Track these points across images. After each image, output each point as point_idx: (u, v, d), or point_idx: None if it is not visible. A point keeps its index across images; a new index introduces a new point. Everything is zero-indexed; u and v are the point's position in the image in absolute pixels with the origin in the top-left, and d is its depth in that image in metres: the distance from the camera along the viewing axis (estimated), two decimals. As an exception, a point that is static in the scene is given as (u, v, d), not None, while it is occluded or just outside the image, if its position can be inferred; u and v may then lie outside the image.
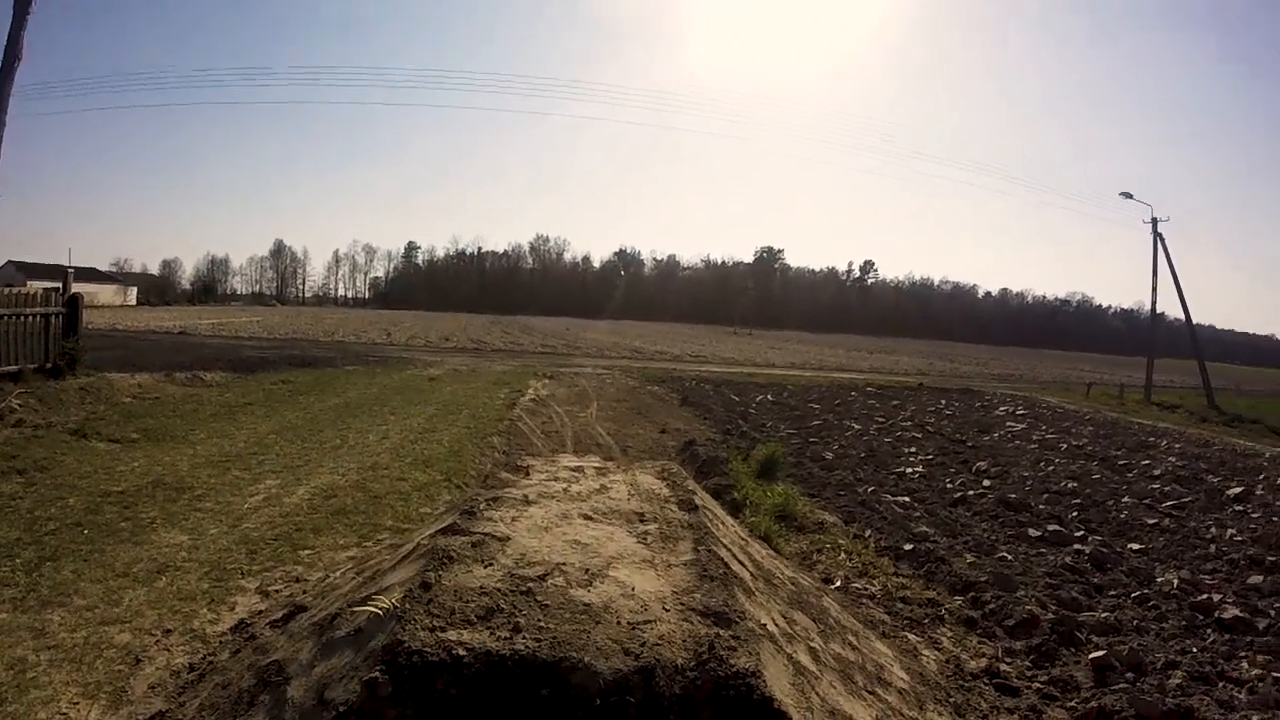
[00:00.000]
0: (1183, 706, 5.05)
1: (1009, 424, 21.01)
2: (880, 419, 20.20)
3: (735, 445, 14.50)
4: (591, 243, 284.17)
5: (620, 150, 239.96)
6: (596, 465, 6.21)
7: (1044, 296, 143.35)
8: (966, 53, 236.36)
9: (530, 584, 3.46)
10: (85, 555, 6.56)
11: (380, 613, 3.41)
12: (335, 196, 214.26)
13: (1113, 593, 7.57)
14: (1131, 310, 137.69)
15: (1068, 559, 8.55)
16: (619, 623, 3.20)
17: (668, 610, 3.35)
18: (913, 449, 15.86)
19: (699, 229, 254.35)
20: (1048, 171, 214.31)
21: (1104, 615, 6.88)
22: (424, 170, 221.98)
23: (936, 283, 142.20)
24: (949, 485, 12.38)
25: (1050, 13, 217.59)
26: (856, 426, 18.37)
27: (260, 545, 7.12)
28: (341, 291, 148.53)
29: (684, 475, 5.99)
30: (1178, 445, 19.65)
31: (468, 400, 17.94)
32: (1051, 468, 14.64)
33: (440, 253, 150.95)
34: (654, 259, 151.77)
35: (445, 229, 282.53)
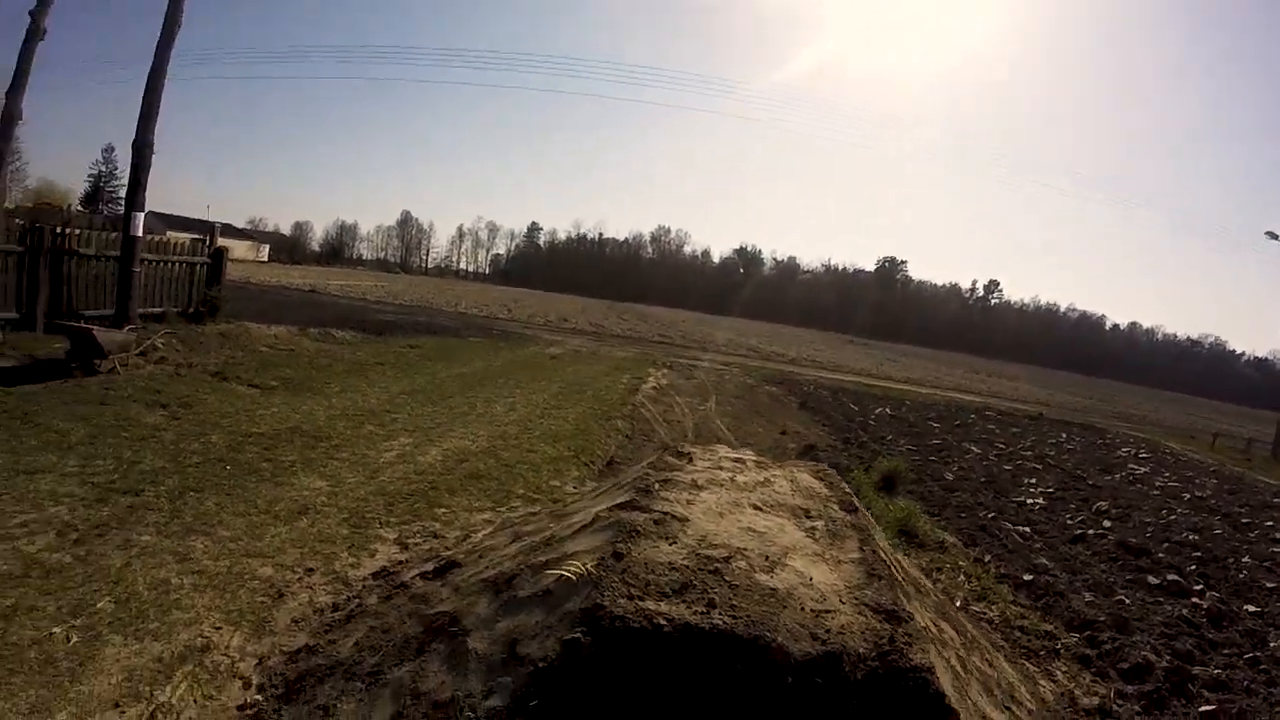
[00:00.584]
0: None
1: (1131, 466, 20.32)
2: (1000, 445, 20.06)
3: (855, 455, 14.71)
4: (712, 237, 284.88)
5: (745, 147, 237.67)
6: (755, 459, 6.61)
7: (1174, 335, 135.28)
8: (1115, 71, 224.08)
9: (717, 564, 3.78)
10: (228, 490, 6.79)
11: (573, 577, 3.61)
12: (464, 174, 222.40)
13: (1226, 651, 7.53)
14: (1266, 359, 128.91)
15: (1184, 611, 8.49)
16: (802, 609, 3.50)
17: (844, 602, 3.65)
18: (1033, 479, 15.72)
19: (820, 232, 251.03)
20: (1194, 203, 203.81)
21: (1216, 671, 6.90)
22: (552, 154, 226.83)
23: (1063, 309, 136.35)
24: (1069, 521, 12.32)
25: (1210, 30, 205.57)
26: (976, 450, 18.34)
27: (397, 499, 7.40)
28: (463, 265, 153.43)
29: (839, 478, 6.49)
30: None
31: (590, 382, 18.51)
32: (1173, 516, 14.25)
33: (561, 235, 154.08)
34: (774, 259, 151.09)
35: (568, 213, 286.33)
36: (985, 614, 7.57)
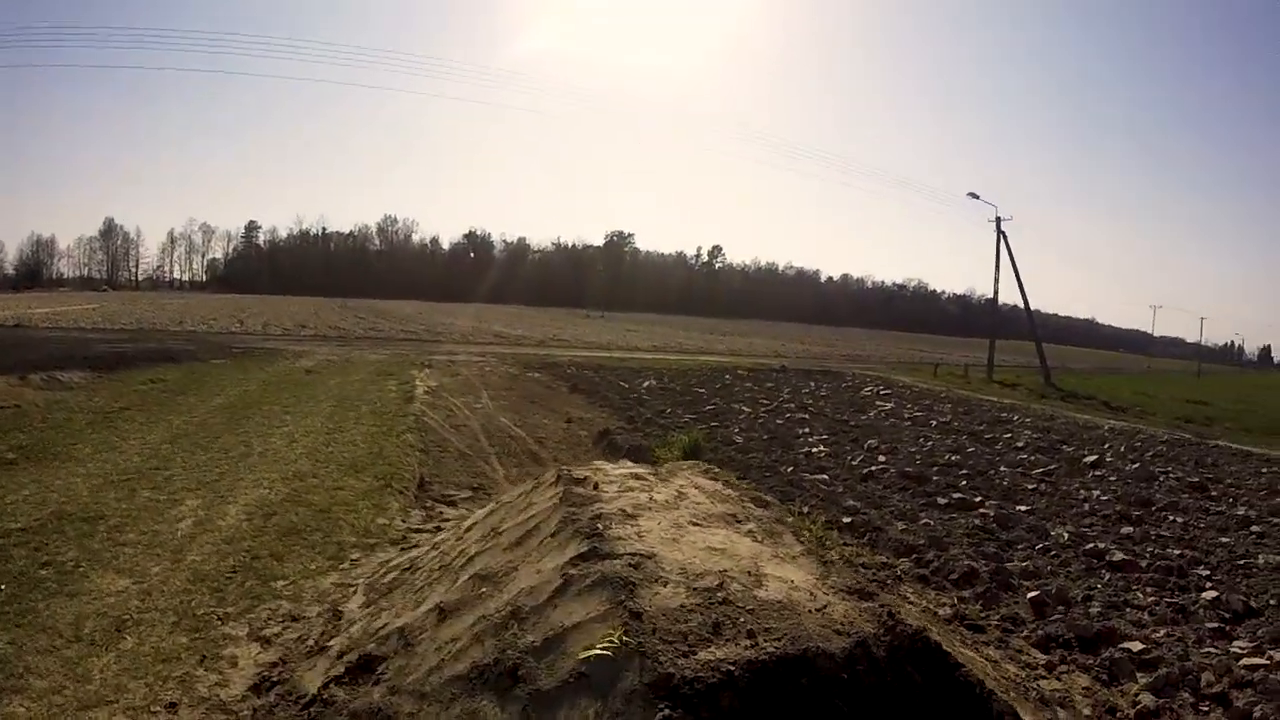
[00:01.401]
0: (1107, 628, 6.65)
1: (879, 403, 23.42)
2: (764, 401, 21.70)
3: (647, 432, 15.19)
4: (441, 224, 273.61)
5: (469, 130, 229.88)
6: (645, 470, 6.51)
7: (883, 281, 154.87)
8: (820, 48, 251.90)
9: (718, 593, 3.74)
10: (15, 619, 5.34)
11: (609, 652, 3.32)
12: (173, 172, 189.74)
13: (1021, 547, 9.25)
14: (964, 295, 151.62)
15: (976, 521, 10.21)
16: (809, 610, 3.68)
17: (827, 594, 3.94)
18: (806, 429, 17.36)
19: (549, 212, 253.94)
20: (891, 163, 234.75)
21: (1023, 564, 8.50)
22: (265, 145, 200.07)
23: (781, 267, 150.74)
24: (854, 462, 13.84)
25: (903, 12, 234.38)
26: (746, 410, 19.68)
27: (221, 581, 6.37)
28: (178, 274, 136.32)
29: (727, 473, 6.85)
30: (1028, 420, 22.85)
31: (358, 394, 17.51)
32: (930, 443, 16.73)
33: (283, 233, 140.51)
34: (504, 241, 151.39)
35: (288, 208, 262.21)
36: (830, 558, 8.21)
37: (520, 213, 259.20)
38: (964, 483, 12.76)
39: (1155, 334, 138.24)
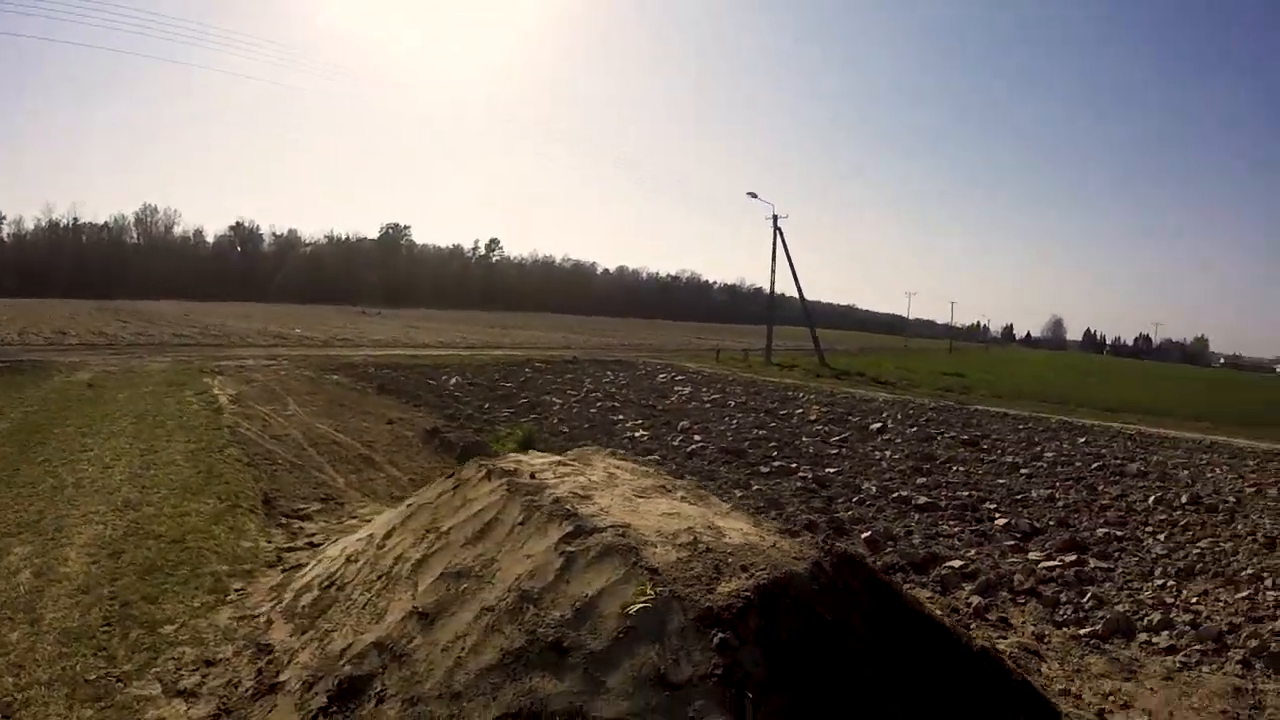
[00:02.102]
0: (930, 553, 8.48)
1: (677, 389, 25.15)
2: (571, 392, 22.42)
3: (471, 428, 15.18)
4: (207, 214, 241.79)
5: (238, 109, 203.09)
6: (557, 459, 6.63)
7: (657, 273, 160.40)
8: (606, 42, 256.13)
9: (698, 546, 4.22)
10: None
11: (649, 604, 3.70)
12: None
13: (841, 500, 11.09)
14: (734, 285, 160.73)
15: (799, 484, 11.94)
16: (769, 548, 4.33)
17: (772, 536, 4.63)
18: (620, 416, 18.37)
19: (322, 202, 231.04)
20: (667, 160, 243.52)
21: (849, 514, 10.27)
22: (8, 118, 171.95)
23: (559, 260, 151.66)
24: (675, 443, 15.13)
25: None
26: (558, 401, 20.25)
27: (100, 638, 5.49)
28: None
29: (629, 456, 7.39)
30: (813, 397, 25.97)
31: (156, 409, 15.52)
32: (735, 422, 18.58)
33: (30, 224, 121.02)
34: (274, 233, 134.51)
35: (34, 194, 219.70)
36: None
37: (291, 202, 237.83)
38: (776, 453, 14.56)
39: (910, 317, 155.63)
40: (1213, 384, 68.69)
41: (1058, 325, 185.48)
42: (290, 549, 7.82)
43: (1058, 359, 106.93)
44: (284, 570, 6.97)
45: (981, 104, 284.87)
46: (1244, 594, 8.36)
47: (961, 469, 14.28)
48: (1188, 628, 7.17)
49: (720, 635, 3.48)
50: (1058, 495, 12.52)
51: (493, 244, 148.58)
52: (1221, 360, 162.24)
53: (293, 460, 11.83)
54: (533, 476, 5.52)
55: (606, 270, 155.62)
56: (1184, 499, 13.02)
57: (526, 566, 4.34)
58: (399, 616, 4.53)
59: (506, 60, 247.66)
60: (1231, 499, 13.35)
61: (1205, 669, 6.41)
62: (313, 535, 8.34)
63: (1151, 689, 6.03)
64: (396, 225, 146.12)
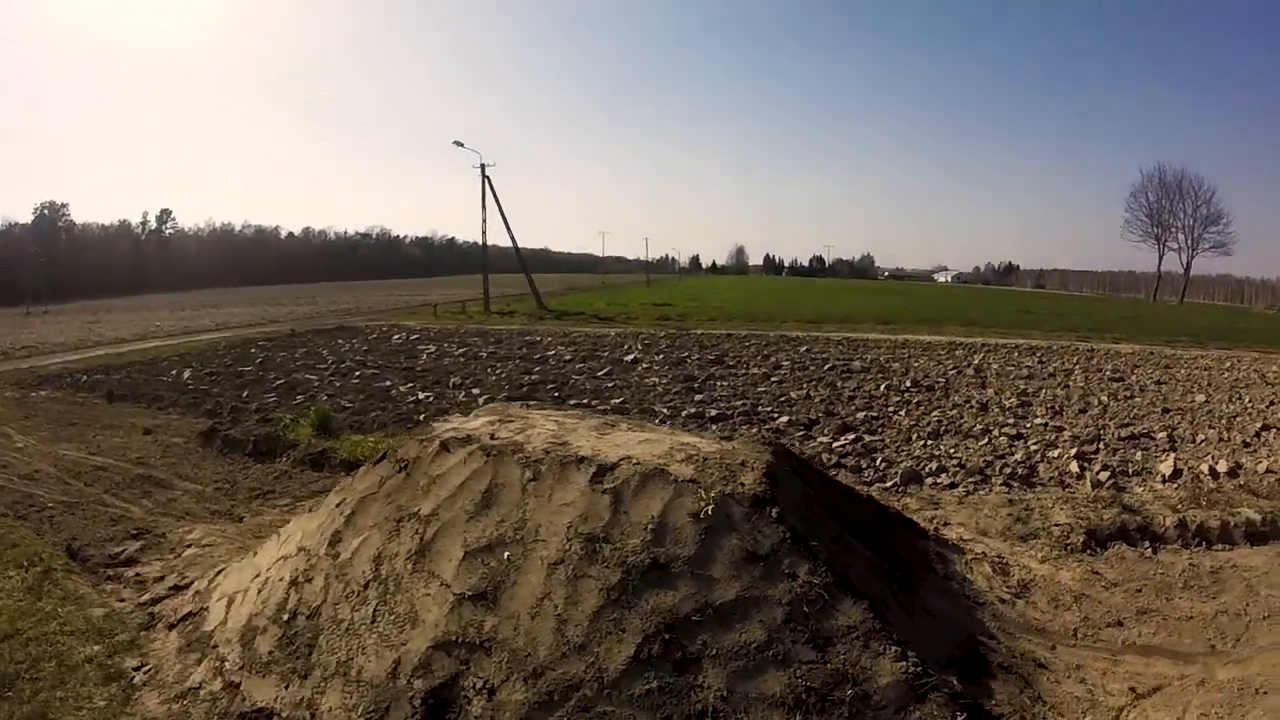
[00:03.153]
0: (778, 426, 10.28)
1: (419, 348, 24.04)
2: (321, 366, 20.57)
3: (250, 421, 13.54)
4: None
5: None
6: (489, 419, 6.36)
7: (345, 232, 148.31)
8: None
9: (697, 458, 5.01)
10: None
11: (715, 502, 4.48)
12: None
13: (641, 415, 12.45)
14: (426, 238, 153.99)
15: (610, 410, 13.05)
16: (738, 449, 5.30)
17: (724, 444, 5.54)
18: (388, 382, 17.63)
19: None
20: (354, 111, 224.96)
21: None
22: None
23: (239, 228, 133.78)
24: (461, 399, 15.25)
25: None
26: (312, 377, 18.66)
27: None
28: None
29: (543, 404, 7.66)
30: (551, 339, 26.78)
31: None
32: (500, 370, 18.98)
33: None
34: None
35: None
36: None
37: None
38: (557, 393, 15.52)
39: (602, 255, 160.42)
40: (885, 292, 77.82)
41: (740, 252, 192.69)
42: (154, 600, 6.61)
43: (746, 281, 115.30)
44: (173, 627, 5.88)
45: (658, 46, 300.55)
46: (982, 443, 11.11)
47: (724, 383, 16.58)
48: (958, 469, 10.14)
49: (774, 510, 4.42)
50: (812, 394, 15.05)
51: (164, 216, 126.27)
52: (886, 273, 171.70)
53: (63, 500, 9.67)
54: (493, 438, 5.50)
55: (291, 234, 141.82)
56: (907, 383, 16.14)
57: (573, 513, 4.58)
58: (445, 609, 4.40)
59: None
60: (941, 380, 16.81)
61: (982, 493, 9.23)
62: (163, 579, 7.07)
63: (954, 511, 8.45)
64: (54, 204, 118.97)
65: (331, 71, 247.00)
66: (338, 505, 5.66)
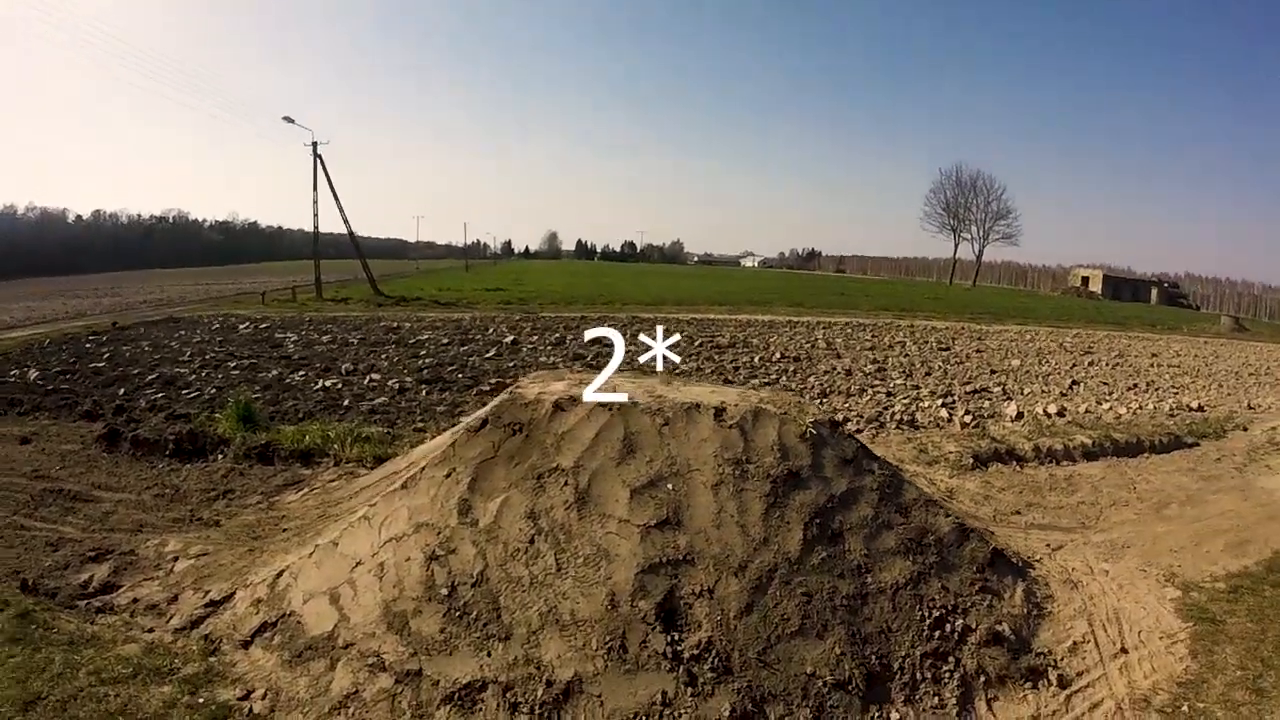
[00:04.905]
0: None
1: (277, 336, 22.03)
2: (185, 360, 18.82)
3: (151, 419, 12.52)
4: None
5: None
6: (567, 381, 6.77)
7: (139, 215, 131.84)
8: None
9: (765, 400, 6.01)
10: None
11: (816, 431, 5.69)
12: None
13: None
14: (226, 222, 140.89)
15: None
16: (782, 395, 6.39)
17: (768, 392, 6.53)
18: (273, 368, 16.98)
19: None
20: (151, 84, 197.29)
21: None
22: None
23: (21, 210, 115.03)
24: (371, 383, 15.23)
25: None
26: (184, 369, 17.14)
27: None
28: None
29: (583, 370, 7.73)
30: (410, 324, 25.82)
31: None
32: (390, 354, 18.75)
33: None
34: None
35: None
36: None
37: None
38: (460, 374, 15.80)
39: (413, 240, 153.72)
40: (702, 276, 77.64)
41: (554, 238, 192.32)
42: (192, 622, 5.74)
43: (563, 266, 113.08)
44: (249, 644, 5.24)
45: (474, 22, 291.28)
46: (865, 399, 12.91)
47: (607, 351, 18.12)
48: (859, 418, 11.97)
49: (850, 430, 5.81)
50: (702, 365, 16.43)
51: None
52: (695, 259, 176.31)
53: None
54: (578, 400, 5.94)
55: (80, 216, 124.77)
56: (776, 355, 17.98)
57: (713, 446, 5.36)
58: (635, 541, 4.79)
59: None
60: (802, 352, 18.82)
61: (883, 435, 11.32)
62: (176, 598, 6.22)
63: (873, 448, 10.21)
64: None
65: (136, 27, 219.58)
66: (447, 476, 5.49)
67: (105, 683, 4.90)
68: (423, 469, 5.70)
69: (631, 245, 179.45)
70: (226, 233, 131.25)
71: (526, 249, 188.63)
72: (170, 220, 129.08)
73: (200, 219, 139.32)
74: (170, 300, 41.97)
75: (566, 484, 5.17)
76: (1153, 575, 6.73)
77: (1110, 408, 13.91)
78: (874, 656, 4.47)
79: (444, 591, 4.80)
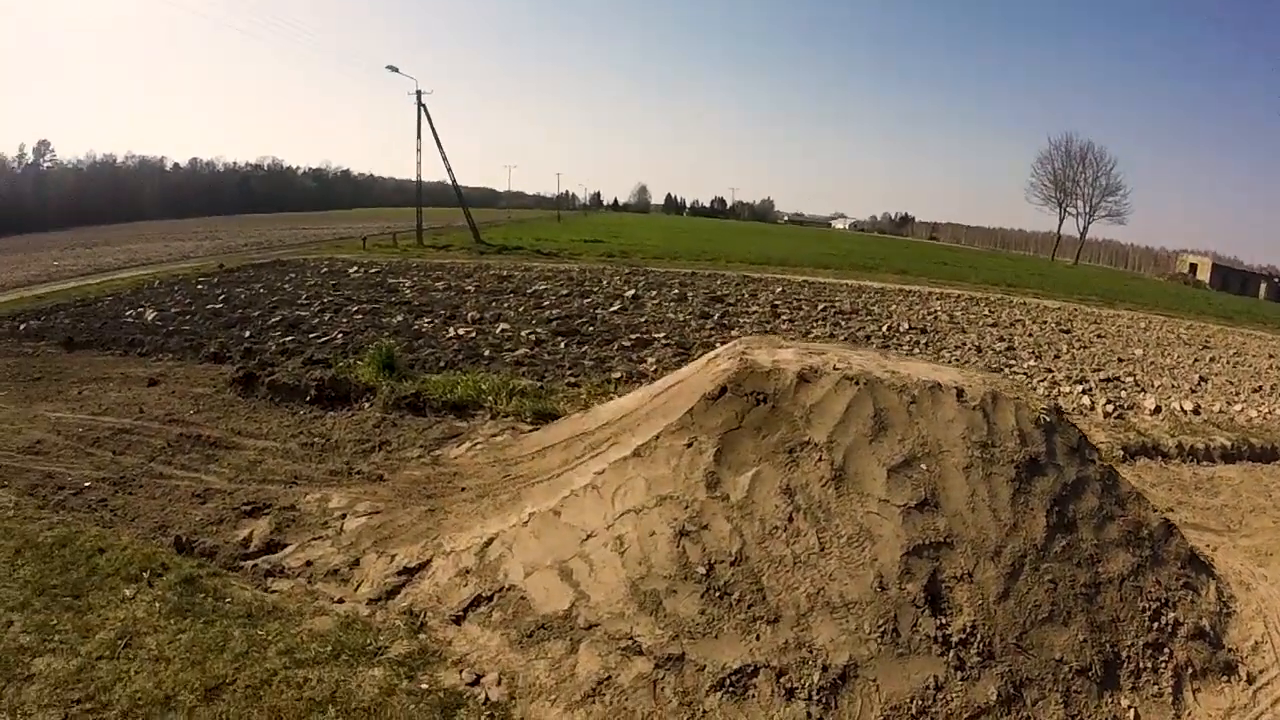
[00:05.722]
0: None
1: (391, 281, 22.73)
2: (303, 302, 18.93)
3: (280, 362, 12.46)
4: None
5: None
6: (794, 349, 6.47)
7: (235, 163, 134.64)
8: None
9: (994, 382, 5.77)
10: None
11: (1047, 409, 5.57)
12: None
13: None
14: (320, 169, 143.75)
15: (663, 349, 14.71)
16: (998, 377, 6.02)
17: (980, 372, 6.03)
18: (397, 314, 17.00)
19: None
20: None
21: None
22: None
23: (121, 158, 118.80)
24: (513, 334, 15.18)
25: None
26: (305, 313, 17.16)
27: None
28: None
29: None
30: (520, 273, 26.04)
31: None
32: (511, 303, 18.89)
33: None
34: None
35: None
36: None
37: None
38: (590, 327, 15.72)
39: (502, 190, 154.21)
40: (793, 236, 74.98)
41: (643, 191, 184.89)
42: (387, 593, 5.38)
43: (653, 220, 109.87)
44: (460, 620, 4.89)
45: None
46: (1004, 378, 12.40)
47: (747, 318, 17.50)
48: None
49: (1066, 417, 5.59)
50: (833, 331, 15.87)
51: (42, 148, 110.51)
52: (785, 218, 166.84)
53: (101, 476, 7.47)
54: (819, 367, 5.65)
55: (178, 165, 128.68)
56: (904, 325, 17.33)
57: (959, 427, 5.31)
58: (897, 522, 4.67)
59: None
60: (924, 325, 18.46)
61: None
62: (358, 563, 5.72)
63: None
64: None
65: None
66: (688, 446, 5.07)
67: (301, 664, 4.27)
68: (657, 437, 5.25)
69: (721, 201, 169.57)
70: (320, 180, 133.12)
71: (615, 201, 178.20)
72: (265, 168, 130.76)
73: (294, 166, 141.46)
74: (270, 244, 42.72)
75: (821, 459, 4.78)
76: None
77: (1241, 409, 13.47)
78: (1108, 645, 4.38)
79: (701, 570, 4.44)
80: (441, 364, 12.11)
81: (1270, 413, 13.65)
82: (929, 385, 5.21)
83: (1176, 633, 4.61)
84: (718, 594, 4.31)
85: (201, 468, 7.83)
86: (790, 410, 5.06)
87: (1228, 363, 19.30)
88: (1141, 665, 4.39)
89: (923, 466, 4.75)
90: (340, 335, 14.34)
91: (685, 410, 5.31)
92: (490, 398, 9.76)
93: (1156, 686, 4.31)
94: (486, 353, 12.74)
